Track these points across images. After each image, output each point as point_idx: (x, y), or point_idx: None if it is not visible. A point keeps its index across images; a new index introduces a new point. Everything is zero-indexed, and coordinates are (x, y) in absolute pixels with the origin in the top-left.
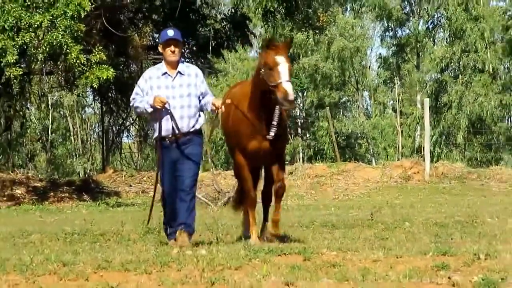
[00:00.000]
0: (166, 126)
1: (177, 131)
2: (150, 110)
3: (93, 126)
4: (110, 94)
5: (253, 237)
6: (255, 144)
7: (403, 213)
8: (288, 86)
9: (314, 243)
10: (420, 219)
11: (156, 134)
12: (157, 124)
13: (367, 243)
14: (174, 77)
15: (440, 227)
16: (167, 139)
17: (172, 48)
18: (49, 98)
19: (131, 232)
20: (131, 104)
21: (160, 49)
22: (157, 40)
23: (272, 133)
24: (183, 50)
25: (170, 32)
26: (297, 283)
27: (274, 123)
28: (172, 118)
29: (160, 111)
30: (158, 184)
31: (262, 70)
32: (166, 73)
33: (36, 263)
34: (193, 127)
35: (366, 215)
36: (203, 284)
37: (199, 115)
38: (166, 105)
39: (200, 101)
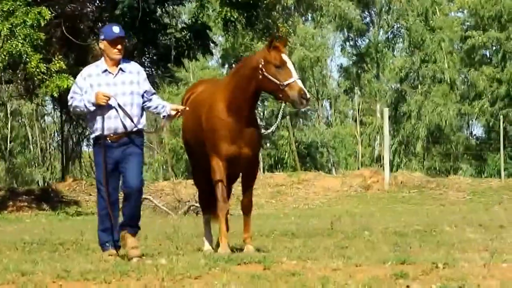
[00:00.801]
0: (108, 124)
1: (119, 131)
2: (92, 108)
3: (53, 135)
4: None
5: (223, 247)
6: (235, 149)
7: (362, 222)
8: (301, 84)
9: (274, 252)
10: (380, 228)
11: (97, 133)
12: (99, 122)
13: (327, 252)
14: (116, 75)
15: (399, 236)
16: (108, 139)
17: (119, 46)
18: (7, 106)
19: (90, 242)
20: (69, 104)
21: (102, 45)
22: None
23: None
24: (143, 59)
25: (116, 29)
26: None
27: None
28: (123, 111)
29: (102, 109)
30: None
31: (265, 69)
32: (106, 70)
33: None
34: (135, 127)
35: (326, 224)
36: None
37: (141, 115)
38: (110, 101)
39: (144, 100)
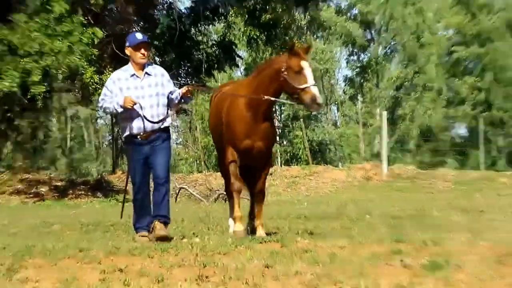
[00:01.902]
0: (137, 124)
1: (147, 129)
2: (120, 110)
3: (104, 135)
4: None
5: (236, 225)
6: (249, 143)
7: (364, 207)
8: (316, 90)
9: (290, 233)
10: (378, 212)
11: (127, 133)
12: (128, 123)
13: (334, 232)
14: (142, 78)
15: (395, 219)
16: (138, 137)
17: (143, 50)
18: (67, 112)
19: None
20: (100, 105)
21: (128, 52)
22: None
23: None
24: (180, 71)
25: (139, 36)
26: (276, 266)
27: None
28: (143, 118)
29: (130, 111)
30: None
31: (286, 73)
32: (134, 74)
33: (57, 249)
34: (162, 124)
35: (333, 209)
36: (196, 266)
37: (167, 114)
38: (136, 106)
39: (168, 98)
